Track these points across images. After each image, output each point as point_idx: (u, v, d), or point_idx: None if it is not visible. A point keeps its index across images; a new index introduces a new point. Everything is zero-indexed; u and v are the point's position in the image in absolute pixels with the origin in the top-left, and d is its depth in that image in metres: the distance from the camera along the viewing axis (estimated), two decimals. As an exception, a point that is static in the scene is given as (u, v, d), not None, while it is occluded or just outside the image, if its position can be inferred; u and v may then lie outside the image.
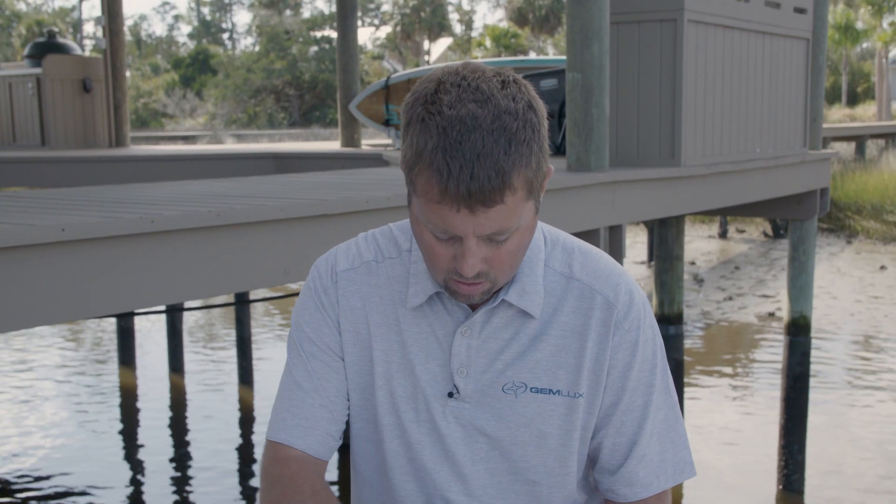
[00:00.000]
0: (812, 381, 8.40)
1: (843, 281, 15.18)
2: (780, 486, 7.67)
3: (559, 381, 1.44)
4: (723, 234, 20.56)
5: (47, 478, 7.71)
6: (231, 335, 12.17)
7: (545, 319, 1.45)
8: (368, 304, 1.50)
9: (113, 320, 11.61)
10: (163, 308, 9.50)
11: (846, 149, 26.17)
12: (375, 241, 1.55)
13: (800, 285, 8.18)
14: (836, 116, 39.25)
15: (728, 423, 8.93)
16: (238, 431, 9.16)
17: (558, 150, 6.75)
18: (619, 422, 1.47)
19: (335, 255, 1.55)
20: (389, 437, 1.49)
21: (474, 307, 1.46)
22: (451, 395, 1.46)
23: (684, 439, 1.53)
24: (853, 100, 49.06)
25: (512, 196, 1.26)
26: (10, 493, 7.41)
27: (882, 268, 16.21)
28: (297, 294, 7.18)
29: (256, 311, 13.63)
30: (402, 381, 1.48)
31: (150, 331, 12.86)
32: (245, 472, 7.98)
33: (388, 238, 1.54)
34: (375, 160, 8.82)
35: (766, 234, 20.35)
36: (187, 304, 10.14)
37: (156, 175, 8.84)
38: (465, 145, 1.23)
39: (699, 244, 19.33)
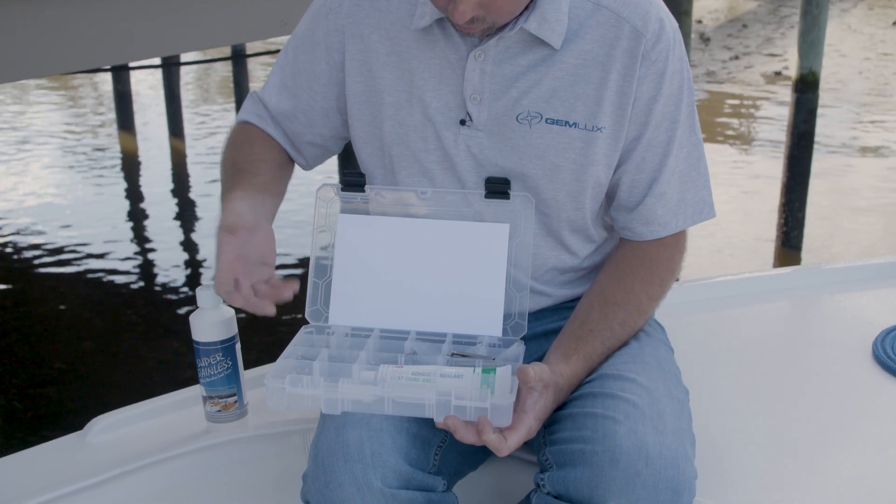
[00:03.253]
0: (816, 141, 8.35)
1: (853, 38, 14.85)
2: (780, 243, 7.78)
3: (576, 113, 1.36)
4: (732, -9, 19.94)
5: (52, 239, 7.80)
6: (229, 99, 12.03)
7: (565, 47, 1.35)
8: (377, 31, 1.42)
9: (109, 85, 11.42)
10: (158, 62, 9.32)
11: None
12: None
13: (810, 40, 7.98)
14: None
15: (730, 182, 8.95)
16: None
17: None
18: (639, 157, 1.40)
19: None
20: (399, 168, 1.44)
21: None
22: (462, 122, 1.39)
23: (706, 179, 1.47)
24: None
25: None
26: (15, 252, 7.52)
27: (894, 23, 15.81)
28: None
29: (255, 73, 13.40)
30: (411, 111, 1.41)
31: (148, 95, 12.69)
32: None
33: None
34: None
35: (776, -9, 19.73)
36: (183, 60, 9.92)
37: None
38: None
39: (707, 2, 18.78)
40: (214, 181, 9.41)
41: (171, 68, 10.28)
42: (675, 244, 1.46)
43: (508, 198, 1.39)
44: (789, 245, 7.75)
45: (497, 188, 1.39)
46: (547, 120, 1.37)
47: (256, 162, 1.45)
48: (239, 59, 10.18)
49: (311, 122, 1.50)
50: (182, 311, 6.49)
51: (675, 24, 1.40)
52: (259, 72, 13.71)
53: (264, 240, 1.29)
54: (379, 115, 1.43)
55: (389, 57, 1.41)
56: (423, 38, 1.39)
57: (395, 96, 1.42)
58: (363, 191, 1.45)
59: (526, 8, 1.33)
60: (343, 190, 1.46)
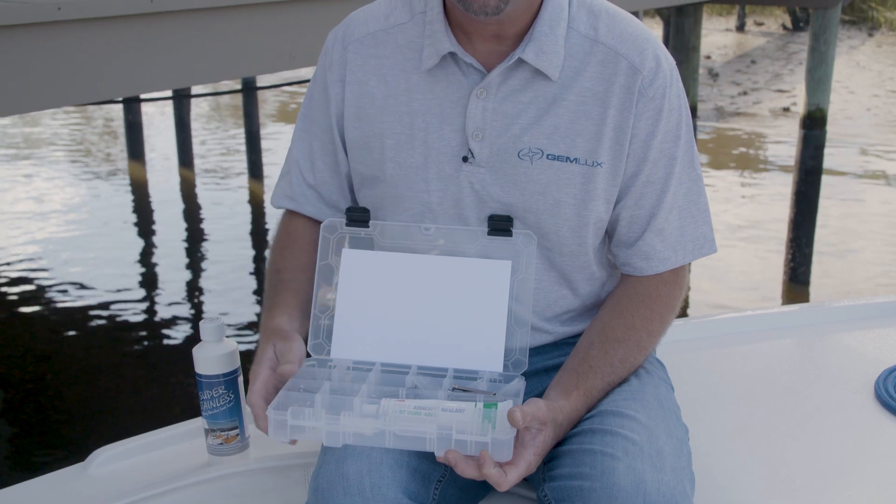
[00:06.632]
0: (823, 176, 8.35)
1: (862, 75, 14.88)
2: (787, 279, 7.76)
3: (577, 149, 1.38)
4: (740, 28, 20.03)
5: (60, 269, 7.82)
6: (239, 130, 12.09)
7: (565, 84, 1.38)
8: (374, 76, 1.45)
9: (121, 115, 11.50)
10: (169, 94, 9.37)
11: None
12: (389, 5, 1.47)
13: (818, 76, 8.00)
14: None
15: (738, 217, 8.95)
16: (248, 224, 9.23)
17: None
18: (638, 193, 1.41)
19: (348, 23, 1.49)
20: (402, 209, 1.46)
21: (489, 68, 1.39)
22: (465, 159, 1.41)
23: (706, 215, 1.48)
24: None
25: None
26: (21, 282, 7.54)
27: (902, 61, 15.86)
28: (304, 81, 7.02)
29: (264, 103, 13.49)
30: (412, 151, 1.43)
31: (158, 125, 12.77)
32: (258, 264, 8.08)
33: (402, 1, 1.46)
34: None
35: (784, 27, 19.81)
36: (194, 93, 10.00)
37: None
38: None
39: (715, 37, 18.86)
40: (222, 215, 9.44)
41: (181, 100, 10.35)
42: (675, 280, 1.47)
43: (511, 235, 1.41)
44: (797, 280, 7.73)
45: (500, 225, 1.41)
46: (548, 156, 1.38)
47: (295, 271, 1.49)
48: (249, 90, 10.25)
49: (337, 166, 1.51)
50: (185, 343, 6.49)
51: (673, 61, 1.41)
52: (269, 105, 13.80)
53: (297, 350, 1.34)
54: (381, 158, 1.45)
55: (387, 101, 1.43)
56: (425, 80, 1.41)
57: (395, 139, 1.43)
58: (367, 226, 1.47)
59: (521, 39, 1.36)
60: (347, 225, 1.47)
